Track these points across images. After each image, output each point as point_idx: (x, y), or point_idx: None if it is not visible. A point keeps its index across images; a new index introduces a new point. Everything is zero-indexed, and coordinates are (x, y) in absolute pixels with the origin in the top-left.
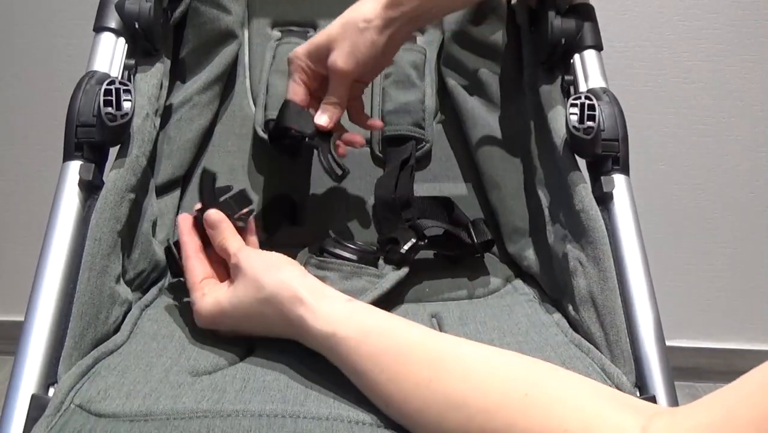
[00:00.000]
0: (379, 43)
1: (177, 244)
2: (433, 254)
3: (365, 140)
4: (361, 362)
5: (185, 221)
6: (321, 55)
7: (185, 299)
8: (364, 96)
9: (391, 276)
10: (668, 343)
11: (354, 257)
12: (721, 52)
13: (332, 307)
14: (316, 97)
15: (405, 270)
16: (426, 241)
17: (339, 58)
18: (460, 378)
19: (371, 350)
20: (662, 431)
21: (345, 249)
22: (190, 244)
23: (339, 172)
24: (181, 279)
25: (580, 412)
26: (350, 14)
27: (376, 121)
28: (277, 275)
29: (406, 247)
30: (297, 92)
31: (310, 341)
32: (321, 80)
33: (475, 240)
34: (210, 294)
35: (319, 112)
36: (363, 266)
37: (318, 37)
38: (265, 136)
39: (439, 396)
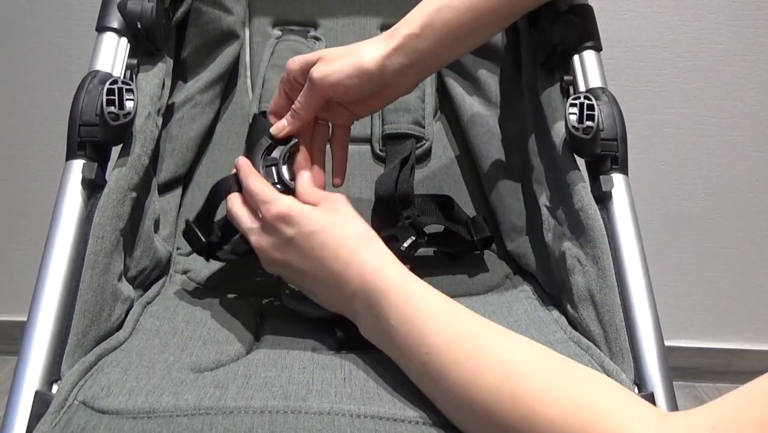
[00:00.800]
0: (369, 86)
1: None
2: (433, 251)
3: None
4: (416, 307)
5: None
6: (308, 68)
7: (187, 296)
8: None
9: None
10: (668, 343)
11: None
12: (721, 52)
13: (395, 262)
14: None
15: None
16: (426, 238)
17: (317, 72)
18: (503, 342)
19: (429, 302)
20: (677, 422)
21: None
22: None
23: (278, 187)
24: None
25: (610, 395)
26: (353, 50)
27: (339, 175)
28: (366, 226)
29: (405, 244)
30: (277, 102)
31: (379, 279)
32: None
33: (475, 237)
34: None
35: (275, 124)
36: None
37: (312, 53)
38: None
39: (482, 353)
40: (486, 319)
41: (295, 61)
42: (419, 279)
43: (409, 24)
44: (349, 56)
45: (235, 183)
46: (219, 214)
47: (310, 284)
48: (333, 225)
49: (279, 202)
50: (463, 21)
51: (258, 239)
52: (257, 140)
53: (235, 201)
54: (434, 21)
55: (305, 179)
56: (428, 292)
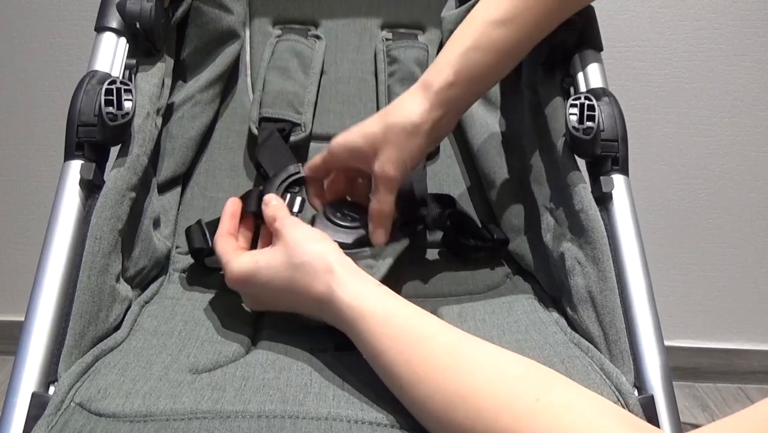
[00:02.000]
0: (428, 145)
1: (207, 224)
2: (438, 252)
3: None
4: (381, 341)
5: (233, 204)
6: (364, 156)
7: (186, 295)
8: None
9: (389, 250)
10: (668, 343)
11: (349, 241)
12: (721, 52)
13: (362, 284)
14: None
15: (405, 241)
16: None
17: (388, 165)
18: (473, 371)
19: (393, 331)
20: None
21: (344, 218)
22: (229, 224)
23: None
24: (193, 261)
25: (587, 426)
26: (396, 116)
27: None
28: (315, 246)
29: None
30: (317, 170)
31: (333, 313)
32: (349, 170)
33: (494, 237)
34: (247, 254)
35: (372, 230)
36: (358, 249)
37: (362, 139)
38: (257, 133)
39: (451, 384)
40: (454, 333)
41: (341, 144)
42: (380, 295)
43: (441, 73)
44: (397, 129)
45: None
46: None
47: (300, 312)
48: (280, 266)
49: (229, 269)
50: (490, 61)
51: (243, 300)
52: (274, 160)
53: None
54: (464, 66)
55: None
56: (389, 315)
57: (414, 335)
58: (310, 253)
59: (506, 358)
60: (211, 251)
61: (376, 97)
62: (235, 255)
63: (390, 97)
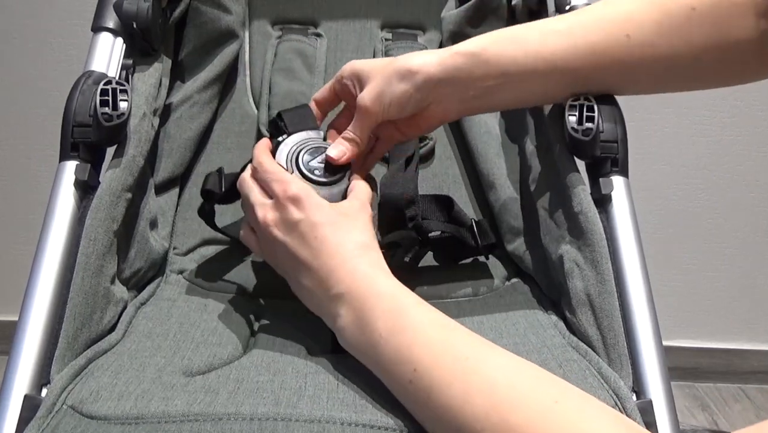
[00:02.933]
0: (412, 98)
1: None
2: (433, 254)
3: None
4: (407, 320)
5: (265, 143)
6: (359, 80)
7: (182, 297)
8: None
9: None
10: (668, 343)
11: (335, 198)
12: None
13: (390, 275)
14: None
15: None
16: (430, 245)
17: (365, 95)
18: (494, 366)
19: (420, 314)
20: None
21: (322, 174)
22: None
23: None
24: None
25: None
26: (402, 58)
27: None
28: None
29: (409, 255)
30: (324, 96)
31: (348, 285)
32: (351, 99)
33: (480, 243)
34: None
35: (332, 145)
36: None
37: (365, 63)
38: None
39: (471, 376)
40: (479, 337)
41: (350, 65)
42: (412, 292)
43: (468, 43)
44: (391, 73)
45: None
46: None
47: (300, 274)
48: (339, 223)
49: (295, 183)
50: (519, 60)
51: (264, 213)
52: (297, 119)
53: (249, 173)
54: (494, 49)
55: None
56: (420, 305)
57: (438, 322)
58: (368, 232)
59: (523, 361)
60: (222, 198)
61: None
62: (291, 176)
63: None
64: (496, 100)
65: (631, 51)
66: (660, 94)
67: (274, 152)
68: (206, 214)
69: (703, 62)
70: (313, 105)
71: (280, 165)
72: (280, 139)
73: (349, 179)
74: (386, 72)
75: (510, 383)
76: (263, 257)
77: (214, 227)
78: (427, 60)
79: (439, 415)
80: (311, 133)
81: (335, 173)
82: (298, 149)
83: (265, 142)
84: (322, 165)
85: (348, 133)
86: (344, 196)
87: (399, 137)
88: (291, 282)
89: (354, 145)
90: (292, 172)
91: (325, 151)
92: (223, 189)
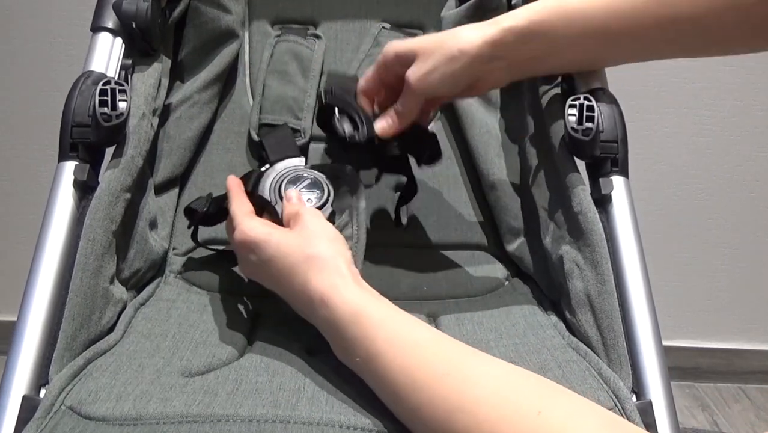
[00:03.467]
0: (463, 77)
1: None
2: (436, 254)
3: None
4: (378, 345)
5: (235, 181)
6: (406, 59)
7: (181, 297)
8: None
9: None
10: (668, 343)
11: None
12: None
13: (366, 292)
14: (386, 93)
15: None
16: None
17: (414, 75)
18: (473, 381)
19: (389, 335)
20: None
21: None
22: (239, 190)
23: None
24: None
25: None
26: (450, 36)
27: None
28: (330, 245)
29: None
30: (369, 82)
31: (330, 311)
32: (399, 80)
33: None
34: (263, 222)
35: (380, 117)
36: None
37: (410, 43)
38: (258, 139)
39: (451, 394)
40: (453, 344)
41: (392, 48)
42: (379, 300)
43: (515, 17)
44: (441, 50)
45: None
46: None
47: (287, 301)
48: (289, 249)
49: (241, 228)
50: (561, 31)
51: (237, 258)
52: (278, 147)
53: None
54: (535, 20)
55: (291, 196)
56: (390, 320)
57: (411, 341)
58: (324, 249)
59: (506, 369)
60: (202, 218)
61: None
62: (251, 218)
63: None
64: (543, 68)
65: (673, 10)
66: (660, 93)
67: (257, 183)
68: (192, 231)
69: (726, 24)
70: (362, 98)
71: (264, 197)
72: (263, 169)
73: (332, 206)
74: (434, 52)
75: (492, 397)
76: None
77: (196, 241)
78: (475, 39)
79: (427, 430)
80: (293, 161)
81: (319, 199)
82: (281, 179)
83: (236, 182)
84: (304, 192)
85: (397, 106)
86: (331, 220)
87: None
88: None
89: (402, 119)
90: (276, 203)
91: (304, 179)
92: (206, 211)
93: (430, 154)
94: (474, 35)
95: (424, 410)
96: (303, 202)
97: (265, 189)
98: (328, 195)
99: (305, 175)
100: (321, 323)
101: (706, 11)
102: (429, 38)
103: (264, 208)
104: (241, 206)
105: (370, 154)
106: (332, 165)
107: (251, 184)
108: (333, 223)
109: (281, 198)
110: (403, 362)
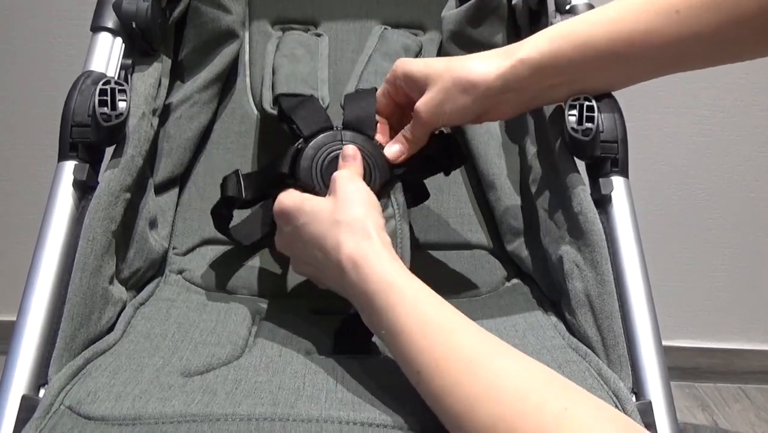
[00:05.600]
0: (473, 109)
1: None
2: (436, 254)
3: None
4: (405, 321)
5: None
6: (415, 85)
7: (181, 297)
8: None
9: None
10: (668, 343)
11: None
12: None
13: (395, 261)
14: (398, 113)
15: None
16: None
17: (424, 105)
18: (499, 371)
19: (418, 313)
20: None
21: None
22: None
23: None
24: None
25: None
26: (460, 67)
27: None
28: (359, 209)
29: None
30: (381, 103)
31: (359, 278)
32: (408, 101)
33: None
34: (298, 192)
35: (391, 142)
36: None
37: (424, 68)
38: (274, 111)
39: (475, 382)
40: (485, 335)
41: (401, 67)
42: (409, 275)
43: (525, 47)
44: (452, 83)
45: None
46: None
47: (317, 275)
48: (321, 213)
49: (279, 199)
50: (575, 59)
51: (276, 237)
52: (310, 119)
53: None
54: (546, 52)
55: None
56: (417, 297)
57: (439, 323)
58: (352, 214)
59: (531, 364)
60: (244, 203)
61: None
62: (288, 190)
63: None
64: (553, 97)
65: (680, 28)
66: (660, 93)
67: (294, 161)
68: (222, 219)
69: (751, 31)
70: (379, 119)
71: (307, 184)
72: (298, 146)
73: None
74: (445, 83)
75: (517, 390)
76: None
77: (226, 232)
78: (488, 71)
79: (447, 414)
80: (328, 135)
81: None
82: (320, 160)
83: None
84: None
85: (407, 133)
86: None
87: None
88: (317, 284)
89: (411, 145)
90: (319, 188)
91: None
92: (244, 195)
93: (458, 158)
94: (487, 68)
95: (447, 395)
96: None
97: (307, 177)
98: (373, 180)
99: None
100: (350, 289)
101: (709, 28)
102: (439, 65)
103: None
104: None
105: None
106: (365, 139)
107: (287, 164)
108: None
109: (323, 181)
110: (429, 343)
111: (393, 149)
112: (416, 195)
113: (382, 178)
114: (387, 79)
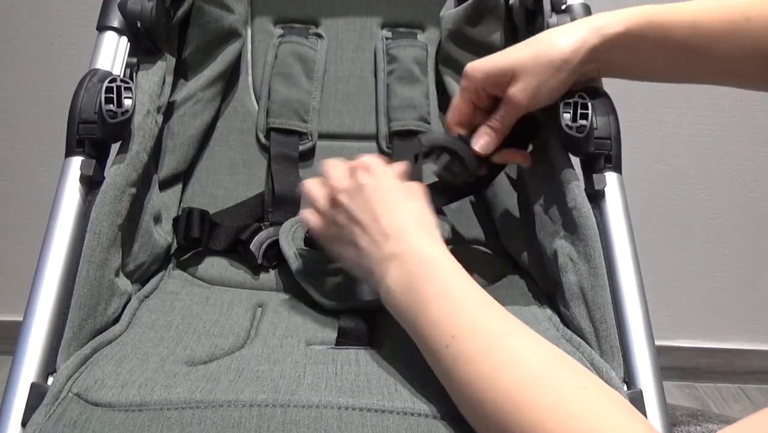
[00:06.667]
0: (567, 85)
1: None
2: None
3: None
4: (448, 286)
5: None
6: (501, 79)
7: (184, 290)
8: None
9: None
10: (668, 343)
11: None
12: None
13: (440, 239)
14: (478, 116)
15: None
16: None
17: (521, 93)
18: (530, 345)
19: (461, 281)
20: None
21: None
22: None
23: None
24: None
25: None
26: (546, 46)
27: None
28: (423, 202)
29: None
30: (462, 111)
31: (404, 249)
32: (493, 101)
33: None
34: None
35: (477, 135)
36: None
37: (502, 60)
38: (266, 142)
39: (505, 349)
40: (516, 319)
41: (478, 71)
42: (461, 267)
43: (613, 23)
44: (542, 65)
45: None
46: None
47: (356, 236)
48: (403, 190)
49: (365, 156)
50: (659, 45)
51: (336, 181)
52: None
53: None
54: (637, 30)
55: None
56: (468, 279)
57: (481, 297)
58: (416, 194)
59: (555, 347)
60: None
61: (375, 95)
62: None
63: (389, 96)
64: (624, 74)
65: (750, 33)
66: (660, 93)
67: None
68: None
69: None
70: (453, 129)
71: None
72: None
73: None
74: (537, 67)
75: (541, 364)
76: (319, 232)
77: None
78: (577, 46)
79: (468, 383)
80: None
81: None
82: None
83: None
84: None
85: (493, 122)
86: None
87: None
88: (342, 249)
89: (499, 135)
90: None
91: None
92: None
93: (533, 129)
94: (574, 42)
95: (475, 358)
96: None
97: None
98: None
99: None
100: (401, 257)
101: None
102: (520, 52)
103: None
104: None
105: None
106: (443, 139)
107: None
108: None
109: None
110: (469, 311)
111: (481, 142)
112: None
113: (472, 169)
114: (464, 88)
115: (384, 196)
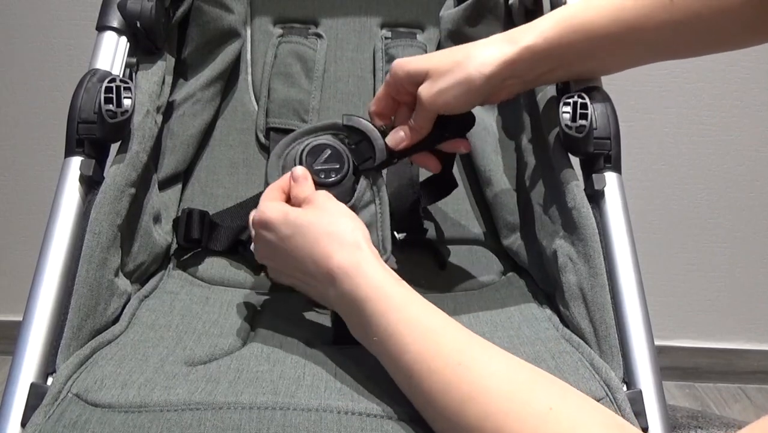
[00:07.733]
0: (478, 95)
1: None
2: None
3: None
4: (397, 325)
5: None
6: (418, 79)
7: (184, 290)
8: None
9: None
10: (668, 343)
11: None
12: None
13: (385, 270)
14: (402, 111)
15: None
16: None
17: (427, 93)
18: (484, 372)
19: (411, 316)
20: None
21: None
22: (285, 182)
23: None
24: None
25: None
26: (463, 55)
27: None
28: (348, 221)
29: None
30: (381, 103)
31: (350, 287)
32: (413, 99)
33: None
34: (282, 203)
35: (393, 131)
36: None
37: (424, 62)
38: (266, 142)
39: (463, 384)
40: (470, 337)
41: (401, 68)
42: (399, 282)
43: (528, 33)
44: (456, 70)
45: None
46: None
47: (300, 285)
48: (309, 225)
49: (260, 208)
50: (575, 44)
51: (254, 246)
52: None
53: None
54: (548, 38)
55: (300, 175)
56: (407, 302)
57: (428, 326)
58: (343, 224)
59: (517, 363)
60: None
61: (374, 95)
62: (270, 199)
63: None
64: (551, 79)
65: (672, 16)
66: (660, 93)
67: (287, 146)
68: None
69: (736, 21)
70: (375, 119)
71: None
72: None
73: (354, 175)
74: (449, 72)
75: (503, 390)
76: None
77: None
78: (493, 59)
79: (439, 417)
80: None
81: (338, 173)
82: (303, 149)
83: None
84: (323, 166)
85: (410, 121)
86: (350, 194)
87: None
88: (301, 291)
89: (414, 134)
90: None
91: (325, 151)
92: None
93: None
94: (491, 55)
95: (438, 397)
96: (310, 183)
97: (290, 158)
98: (347, 171)
99: (328, 144)
100: (339, 300)
101: (698, 17)
102: (441, 56)
103: None
104: (270, 193)
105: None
106: (363, 124)
107: (283, 146)
108: (351, 197)
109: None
110: (419, 347)
111: (396, 136)
112: (443, 186)
113: (380, 159)
114: (387, 81)
115: (292, 244)
